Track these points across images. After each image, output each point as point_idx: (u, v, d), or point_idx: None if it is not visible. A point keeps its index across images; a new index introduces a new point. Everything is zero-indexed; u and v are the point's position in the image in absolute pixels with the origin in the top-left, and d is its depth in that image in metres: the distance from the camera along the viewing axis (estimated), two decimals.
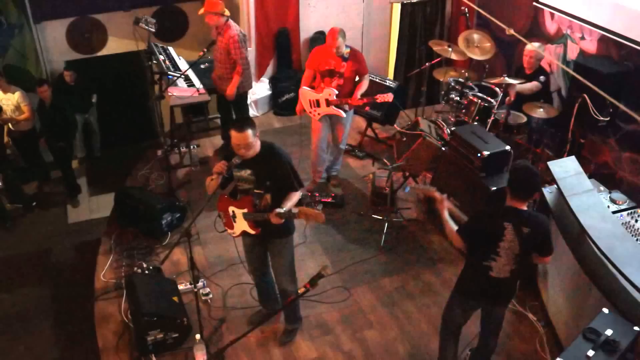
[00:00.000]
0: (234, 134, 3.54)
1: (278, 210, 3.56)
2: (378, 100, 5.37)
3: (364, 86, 5.48)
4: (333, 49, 5.29)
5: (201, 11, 5.80)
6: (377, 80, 6.71)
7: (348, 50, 5.39)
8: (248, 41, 7.21)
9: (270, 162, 3.66)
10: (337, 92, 5.40)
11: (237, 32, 5.84)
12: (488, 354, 3.91)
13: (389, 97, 5.32)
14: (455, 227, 3.49)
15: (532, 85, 5.68)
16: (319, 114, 5.56)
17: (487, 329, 3.78)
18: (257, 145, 3.64)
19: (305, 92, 5.55)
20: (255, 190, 3.73)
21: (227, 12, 5.82)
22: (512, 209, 3.32)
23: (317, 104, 5.50)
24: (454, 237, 3.48)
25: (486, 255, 3.38)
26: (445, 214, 3.58)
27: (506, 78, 5.67)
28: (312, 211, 3.54)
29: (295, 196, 3.72)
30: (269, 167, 3.66)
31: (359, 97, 5.40)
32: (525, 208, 3.35)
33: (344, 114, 5.48)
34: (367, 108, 6.55)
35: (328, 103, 5.44)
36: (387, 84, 6.67)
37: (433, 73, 6.59)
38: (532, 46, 5.72)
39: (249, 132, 3.51)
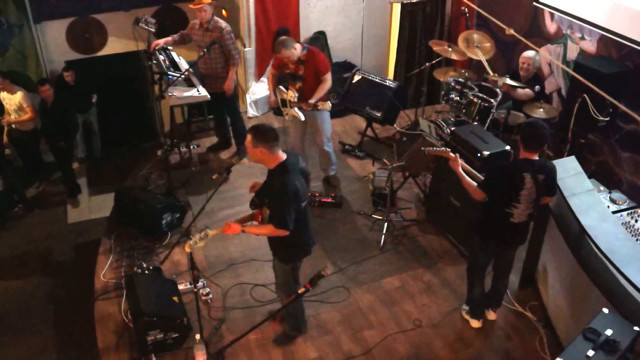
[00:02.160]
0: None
1: (231, 221, 3.65)
2: (319, 108, 5.39)
3: (321, 88, 5.38)
4: (284, 59, 5.34)
5: (195, 5, 5.77)
6: (377, 80, 6.71)
7: (305, 52, 5.36)
8: (248, 40, 7.25)
9: (272, 183, 3.59)
10: (297, 95, 5.44)
11: (226, 24, 5.89)
12: (499, 295, 4.41)
13: (327, 105, 5.38)
14: (470, 181, 3.94)
15: (525, 92, 5.65)
16: (287, 113, 5.65)
17: (499, 271, 4.28)
18: (267, 160, 3.55)
19: (278, 91, 5.63)
20: (255, 198, 3.72)
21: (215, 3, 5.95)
22: (528, 161, 3.76)
23: (285, 104, 5.59)
24: (473, 191, 3.90)
25: (508, 204, 3.80)
26: (460, 170, 4.00)
27: (508, 80, 5.68)
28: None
29: (269, 230, 3.59)
30: (269, 188, 3.60)
31: (313, 101, 5.35)
32: (537, 158, 3.78)
33: (301, 117, 5.47)
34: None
35: (290, 105, 5.51)
36: (387, 84, 6.67)
37: (433, 73, 6.59)
38: (527, 54, 5.69)
39: (249, 136, 3.49)
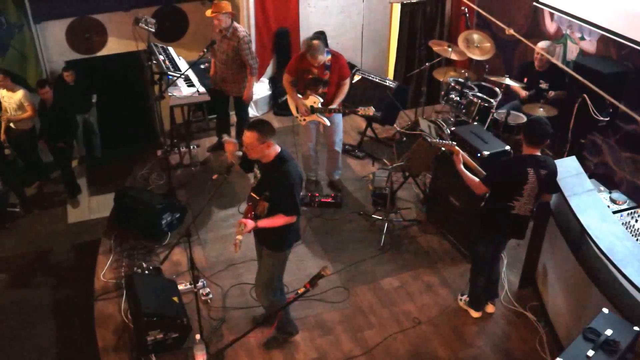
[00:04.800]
0: (244, 131, 3.58)
1: (245, 219, 3.56)
2: (359, 113, 5.36)
3: (342, 92, 5.41)
4: (315, 64, 5.24)
5: (211, 13, 5.72)
6: (377, 80, 6.71)
7: (329, 57, 5.29)
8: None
9: (274, 175, 3.61)
10: (322, 100, 5.37)
11: (245, 32, 5.86)
12: (494, 285, 4.50)
13: (369, 110, 5.27)
14: (472, 176, 4.05)
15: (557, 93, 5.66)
16: (304, 119, 5.54)
17: (494, 258, 4.37)
18: (269, 153, 3.59)
19: (293, 97, 5.50)
20: (252, 193, 3.73)
21: (233, 12, 5.88)
22: (531, 156, 3.86)
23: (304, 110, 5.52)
24: (475, 185, 4.02)
25: (510, 197, 3.90)
26: (461, 167, 4.11)
27: (507, 79, 5.67)
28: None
29: (281, 219, 3.62)
30: (272, 180, 3.62)
31: (336, 105, 5.36)
32: (539, 153, 3.88)
33: (327, 122, 5.43)
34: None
35: (313, 110, 5.42)
36: (387, 84, 6.67)
37: (433, 73, 6.59)
38: (540, 44, 5.69)
39: (255, 133, 3.49)
